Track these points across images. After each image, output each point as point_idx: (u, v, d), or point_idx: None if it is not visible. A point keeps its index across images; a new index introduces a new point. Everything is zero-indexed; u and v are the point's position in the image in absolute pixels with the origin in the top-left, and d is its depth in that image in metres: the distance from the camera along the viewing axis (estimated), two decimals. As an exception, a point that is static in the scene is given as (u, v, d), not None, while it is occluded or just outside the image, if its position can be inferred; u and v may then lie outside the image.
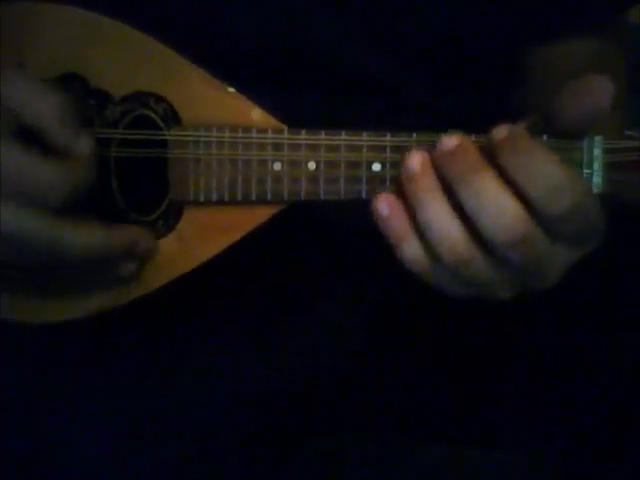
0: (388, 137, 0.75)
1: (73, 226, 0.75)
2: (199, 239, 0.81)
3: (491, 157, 0.69)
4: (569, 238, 0.71)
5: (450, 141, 0.70)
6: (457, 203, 0.69)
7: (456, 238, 0.69)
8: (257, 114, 0.79)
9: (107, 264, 0.79)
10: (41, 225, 0.74)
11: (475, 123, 0.75)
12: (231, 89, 0.80)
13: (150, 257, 0.81)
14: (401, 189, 0.71)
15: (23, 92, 0.76)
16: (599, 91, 0.69)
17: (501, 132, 0.69)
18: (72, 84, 0.82)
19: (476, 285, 0.73)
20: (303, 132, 0.77)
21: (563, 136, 0.72)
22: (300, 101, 0.86)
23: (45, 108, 0.76)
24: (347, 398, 0.93)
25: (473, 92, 0.95)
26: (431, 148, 0.71)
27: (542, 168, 0.67)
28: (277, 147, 0.77)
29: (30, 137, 0.75)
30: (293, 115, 0.78)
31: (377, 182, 0.75)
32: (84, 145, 0.77)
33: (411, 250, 0.71)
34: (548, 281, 0.74)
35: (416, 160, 0.71)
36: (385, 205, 0.71)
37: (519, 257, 0.69)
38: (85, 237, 0.76)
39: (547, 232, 0.69)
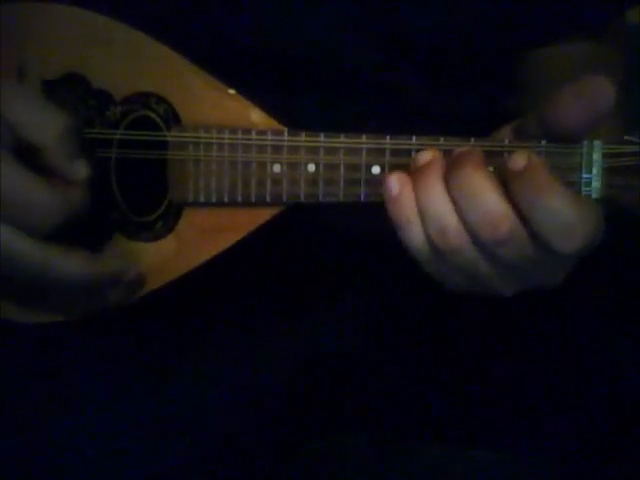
0: (388, 140, 0.75)
1: (61, 253, 0.76)
2: (198, 240, 0.81)
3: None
4: (571, 260, 0.72)
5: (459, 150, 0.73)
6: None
7: (447, 224, 0.71)
8: (257, 116, 0.79)
9: (94, 291, 0.80)
10: (30, 250, 0.75)
11: (474, 124, 0.75)
12: (231, 90, 0.80)
13: (136, 288, 0.82)
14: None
15: (25, 108, 0.76)
16: (600, 94, 0.68)
17: (519, 161, 0.70)
18: (74, 84, 0.82)
19: (474, 277, 0.73)
20: (303, 134, 0.77)
21: (561, 140, 0.72)
22: (299, 102, 0.86)
23: (45, 127, 0.76)
24: (347, 398, 0.93)
25: (472, 93, 0.94)
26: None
27: (556, 209, 0.68)
28: (277, 149, 0.77)
29: (27, 153, 0.75)
30: (292, 116, 0.78)
31: (376, 185, 0.75)
32: (79, 170, 0.77)
33: (415, 234, 0.72)
34: (551, 281, 0.74)
35: (429, 153, 0.73)
36: (396, 184, 0.72)
37: (509, 255, 0.70)
38: (71, 264, 0.76)
39: (552, 259, 0.70)
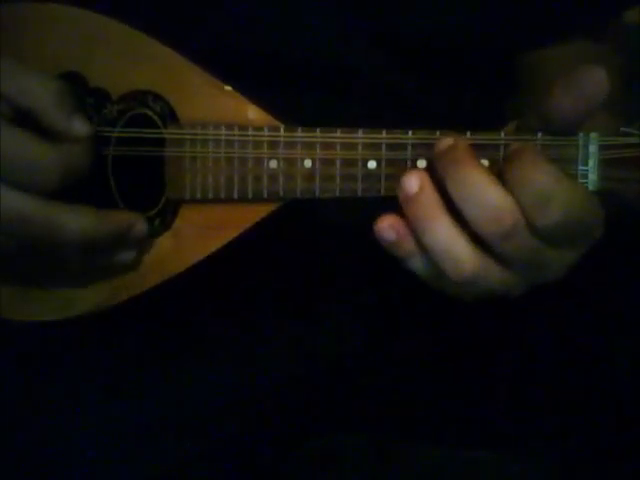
0: (384, 134, 0.75)
1: (67, 209, 0.76)
2: (196, 237, 0.81)
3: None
4: (564, 243, 0.71)
5: (444, 142, 0.71)
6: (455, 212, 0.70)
7: (461, 256, 0.70)
8: (253, 112, 0.79)
9: (102, 251, 0.79)
10: (36, 208, 0.75)
11: (474, 124, 0.75)
12: (228, 87, 0.80)
13: (143, 243, 0.81)
14: (402, 209, 0.72)
15: (19, 77, 0.76)
16: (591, 82, 0.69)
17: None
18: (71, 83, 0.82)
19: (486, 293, 0.73)
20: (299, 130, 0.77)
21: (558, 132, 0.72)
22: (297, 101, 0.85)
23: (41, 92, 0.76)
24: (347, 398, 0.93)
25: (472, 93, 0.94)
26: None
27: (533, 178, 0.68)
28: (273, 145, 0.77)
29: (27, 121, 0.76)
30: (291, 116, 0.78)
31: (373, 180, 0.75)
32: (80, 128, 0.77)
33: (419, 265, 0.72)
34: (552, 276, 0.74)
35: (414, 180, 0.71)
36: (388, 229, 0.71)
37: (513, 250, 0.70)
38: (79, 220, 0.76)
39: (542, 239, 0.70)
